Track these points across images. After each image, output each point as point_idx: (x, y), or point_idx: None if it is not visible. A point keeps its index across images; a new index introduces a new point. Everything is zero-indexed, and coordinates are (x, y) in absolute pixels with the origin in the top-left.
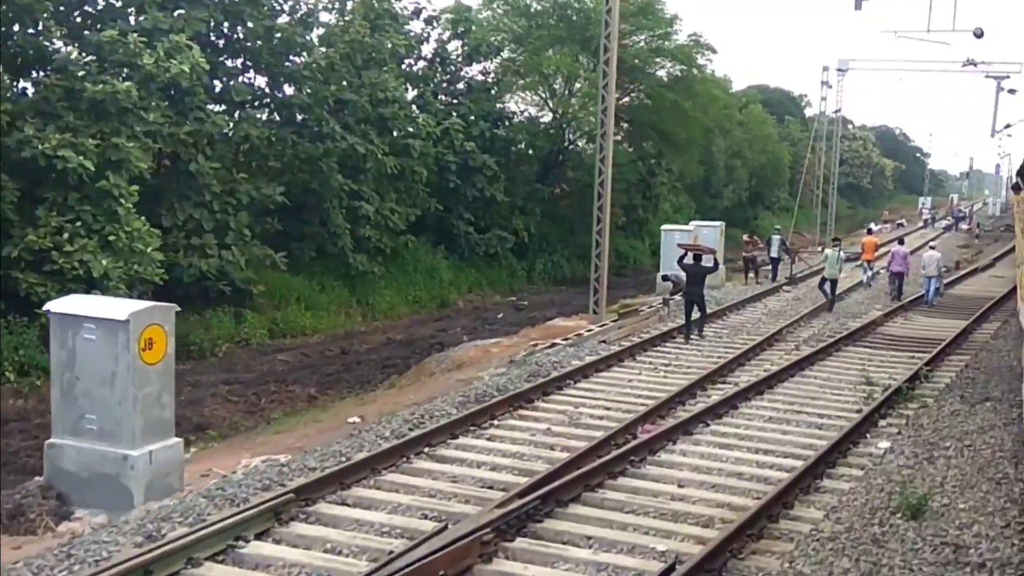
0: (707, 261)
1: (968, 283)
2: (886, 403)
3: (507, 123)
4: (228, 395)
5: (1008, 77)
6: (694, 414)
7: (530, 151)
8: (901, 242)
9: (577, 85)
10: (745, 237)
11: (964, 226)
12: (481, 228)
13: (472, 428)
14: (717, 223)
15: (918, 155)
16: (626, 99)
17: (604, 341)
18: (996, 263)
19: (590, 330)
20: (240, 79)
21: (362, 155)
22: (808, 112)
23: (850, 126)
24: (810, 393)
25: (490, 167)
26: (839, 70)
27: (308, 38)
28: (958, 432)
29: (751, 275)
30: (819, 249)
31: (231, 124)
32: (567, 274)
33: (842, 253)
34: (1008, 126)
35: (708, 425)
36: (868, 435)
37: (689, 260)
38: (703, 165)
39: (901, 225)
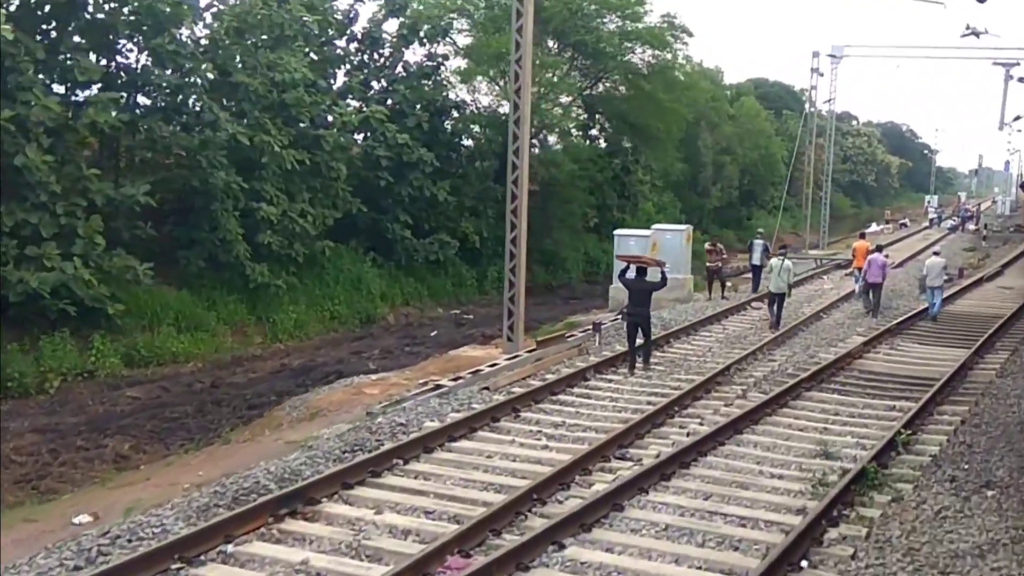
0: (653, 275)
1: (971, 297)
2: (843, 495)
3: (455, 113)
4: (16, 453)
5: (1017, 64)
6: (545, 528)
7: (489, 145)
8: (879, 249)
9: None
10: (708, 245)
11: (971, 227)
12: (424, 232)
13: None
14: (683, 227)
15: (926, 152)
16: (600, 88)
17: (487, 388)
18: (1005, 270)
19: (495, 364)
20: (94, 56)
21: (257, 148)
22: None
23: (854, 122)
24: (739, 476)
25: (429, 162)
26: (832, 56)
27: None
28: (943, 556)
29: (725, 288)
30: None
31: (70, 109)
32: (561, 279)
33: (789, 263)
34: (1018, 118)
35: (562, 548)
36: (805, 564)
37: (632, 274)
38: (688, 162)
39: (904, 225)
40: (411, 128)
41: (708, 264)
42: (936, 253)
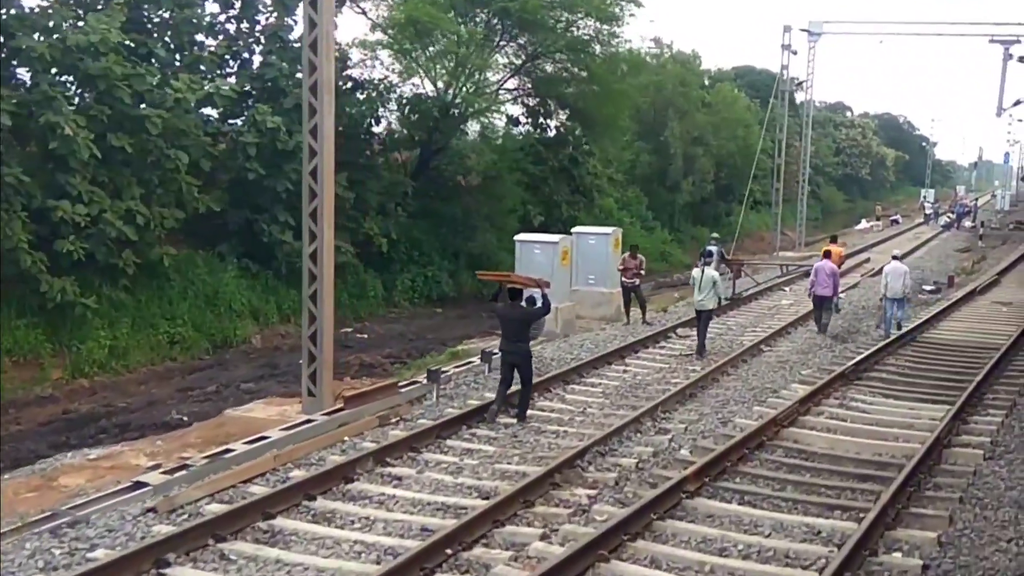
0: (538, 298)
1: (959, 316)
2: None
3: (353, 92)
4: None
5: (1018, 41)
6: None
7: (410, 133)
8: (826, 255)
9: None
10: (626, 255)
11: (967, 223)
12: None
13: None
14: (609, 230)
15: (924, 144)
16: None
17: (153, 509)
18: (1002, 277)
19: (263, 438)
20: None
21: (48, 129)
22: (800, 96)
23: (848, 113)
24: None
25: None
26: (809, 33)
27: None
28: None
29: (645, 311)
30: (791, 255)
31: None
32: (448, 291)
33: (714, 273)
34: (1018, 103)
35: None
36: None
37: (509, 300)
38: (657, 153)
39: (896, 222)
40: (289, 110)
41: (623, 281)
42: (896, 257)
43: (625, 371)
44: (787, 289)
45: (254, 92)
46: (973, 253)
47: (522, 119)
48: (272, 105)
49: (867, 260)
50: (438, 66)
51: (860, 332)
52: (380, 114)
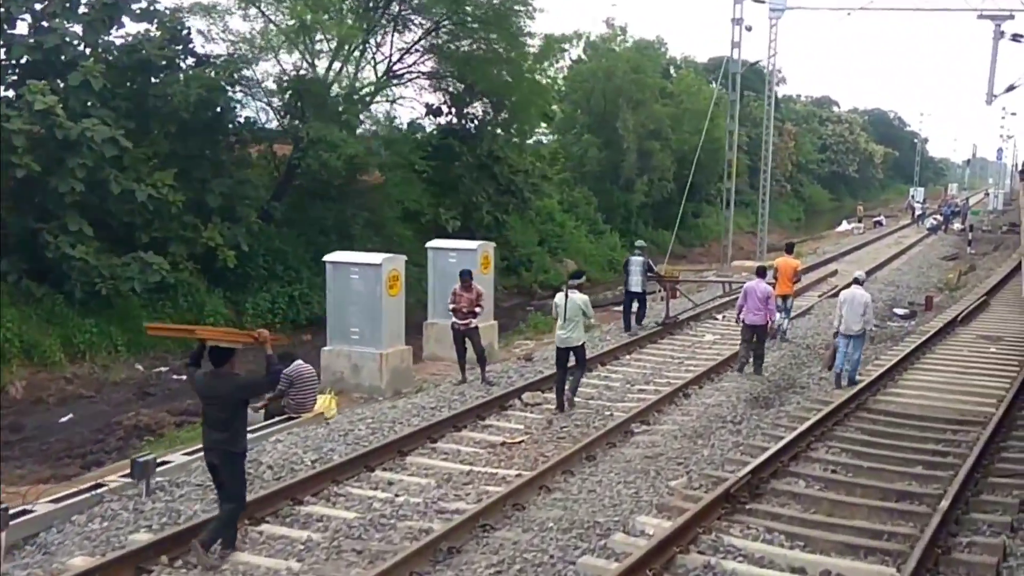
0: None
1: (932, 360)
2: None
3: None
4: None
5: (1011, 17)
6: None
7: (285, 122)
8: (760, 274)
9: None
10: (456, 287)
11: (956, 225)
12: (134, 245)
13: None
14: (475, 244)
15: (916, 141)
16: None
17: None
18: (992, 297)
19: None
20: None
21: None
22: (781, 90)
23: (835, 108)
24: None
25: (111, 139)
26: (772, 8)
27: None
28: None
29: (485, 365)
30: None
31: None
32: (318, 312)
33: (581, 298)
34: (1011, 88)
35: None
36: None
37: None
38: (608, 148)
39: (879, 224)
40: (77, 87)
41: (454, 323)
42: (857, 281)
43: (427, 468)
44: (719, 317)
45: (28, 65)
46: (961, 261)
47: (443, 108)
48: (50, 81)
49: (834, 273)
50: (311, 39)
51: (797, 385)
52: (238, 99)
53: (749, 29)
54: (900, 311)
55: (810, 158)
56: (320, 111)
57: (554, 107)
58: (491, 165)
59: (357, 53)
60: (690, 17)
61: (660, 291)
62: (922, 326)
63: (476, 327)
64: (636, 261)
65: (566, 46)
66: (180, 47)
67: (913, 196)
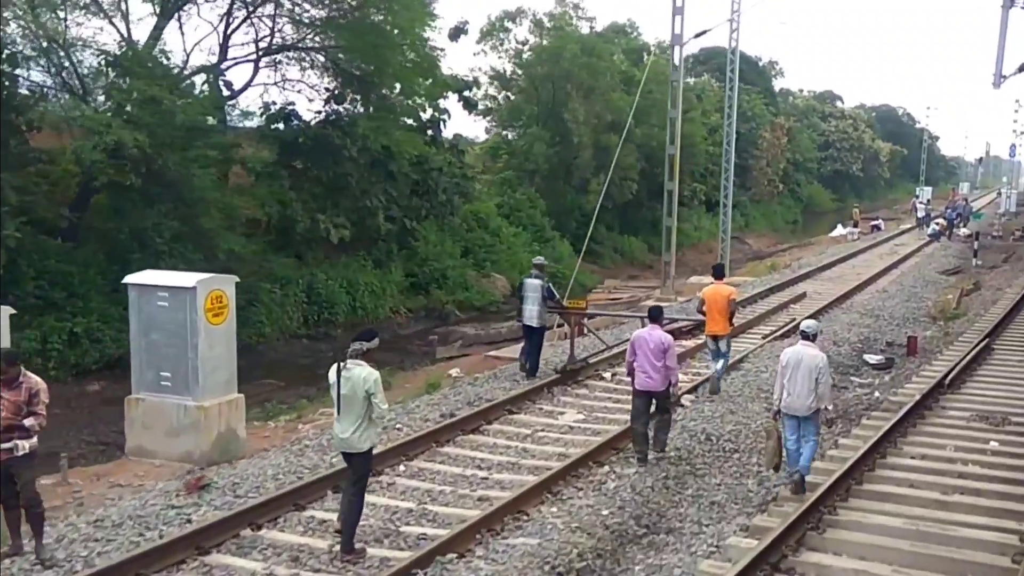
0: None
1: (894, 475)
2: None
3: None
4: None
5: None
6: None
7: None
8: (653, 317)
9: None
10: None
11: (963, 231)
12: None
13: None
14: (192, 280)
15: (927, 139)
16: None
17: None
18: (998, 336)
19: None
20: None
21: None
22: (779, 83)
23: (839, 103)
24: None
25: None
26: None
27: None
28: None
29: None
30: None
31: None
32: (116, 351)
33: (364, 374)
34: (1023, 68)
35: None
36: None
37: None
38: (559, 143)
39: (877, 228)
40: None
41: None
42: (806, 335)
43: None
44: (610, 376)
45: None
46: (964, 277)
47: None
48: None
49: (800, 298)
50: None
51: (663, 528)
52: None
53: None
54: (873, 359)
55: (809, 155)
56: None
57: (478, 92)
58: (385, 162)
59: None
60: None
61: (562, 325)
62: (897, 387)
63: (29, 454)
64: (532, 285)
65: (509, 24)
66: None
67: (918, 196)
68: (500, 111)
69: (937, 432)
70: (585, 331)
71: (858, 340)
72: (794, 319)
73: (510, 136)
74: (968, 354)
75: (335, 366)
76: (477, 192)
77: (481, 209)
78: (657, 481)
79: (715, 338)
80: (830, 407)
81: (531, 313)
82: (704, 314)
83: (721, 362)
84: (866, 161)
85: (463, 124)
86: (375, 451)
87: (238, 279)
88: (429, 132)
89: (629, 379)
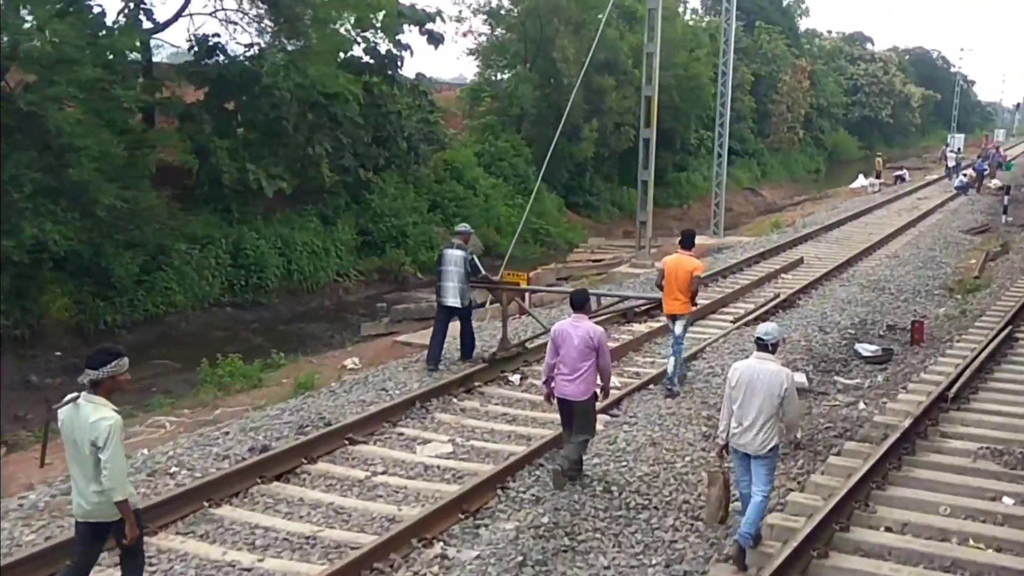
0: None
1: (883, 534)
2: None
3: None
4: None
5: None
6: None
7: None
8: (578, 305)
9: None
10: None
11: (995, 182)
12: None
13: None
14: None
15: (961, 83)
16: None
17: None
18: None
19: None
20: None
21: None
22: (803, 23)
23: (869, 45)
24: None
25: None
26: None
27: None
28: None
29: None
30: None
31: None
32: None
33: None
34: None
35: None
36: None
37: None
38: (548, 85)
39: (901, 179)
40: None
41: None
42: (763, 343)
43: None
44: (525, 373)
45: None
46: (991, 237)
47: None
48: None
49: (795, 265)
50: None
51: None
52: None
53: None
54: (867, 350)
55: (835, 100)
56: None
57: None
58: (327, 104)
59: None
60: None
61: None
62: (890, 393)
63: None
64: (452, 257)
65: None
66: None
67: (948, 145)
68: (485, 50)
69: (929, 480)
70: (520, 310)
71: (851, 324)
72: (779, 295)
73: (497, 78)
74: (983, 349)
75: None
76: (448, 139)
77: (456, 158)
78: (508, 570)
79: (673, 317)
80: (799, 435)
81: (451, 290)
82: (662, 288)
83: (672, 359)
84: (896, 107)
85: (454, 66)
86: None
87: None
88: (390, 73)
89: (544, 388)
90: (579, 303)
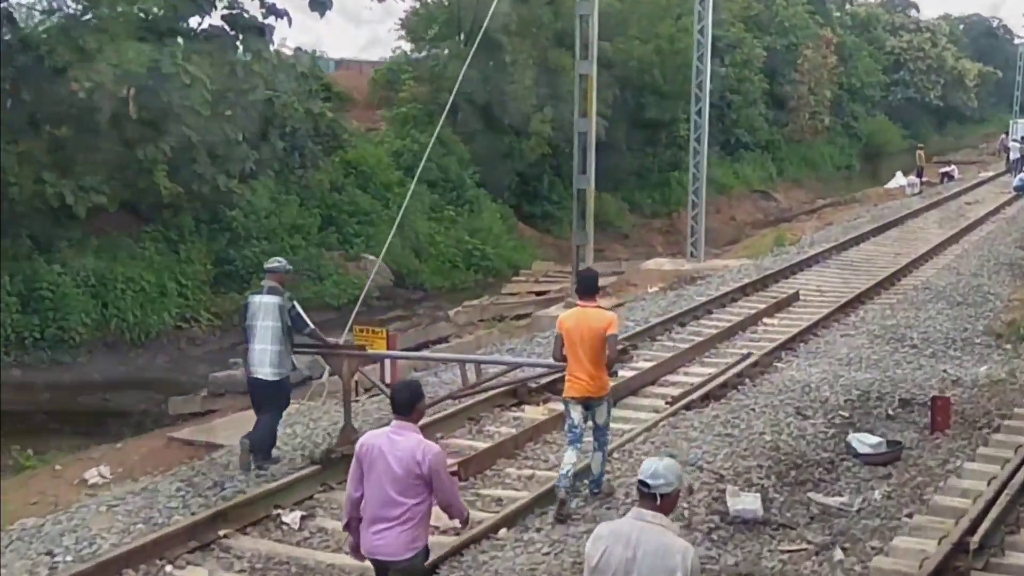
0: None
1: None
2: None
3: None
4: None
5: None
6: None
7: None
8: (401, 405)
9: None
10: None
11: None
12: None
13: None
14: None
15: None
16: None
17: None
18: None
19: None
20: None
21: None
22: None
23: (912, 12)
24: None
25: None
26: None
27: None
28: None
29: None
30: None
31: None
32: None
33: None
34: None
35: None
36: None
37: None
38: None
39: (949, 177)
40: None
41: None
42: (648, 491)
43: None
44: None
45: None
46: None
47: None
48: None
49: (792, 300)
50: None
51: None
52: None
53: None
54: (865, 443)
55: (870, 79)
56: None
57: None
58: (155, 90)
59: None
60: None
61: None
62: (888, 524)
63: None
64: (263, 307)
65: None
66: None
67: (1010, 134)
68: (410, 22)
69: None
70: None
71: (847, 401)
72: (749, 355)
73: (424, 55)
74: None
75: None
76: (350, 134)
77: (363, 158)
78: None
79: (585, 403)
80: None
81: (262, 356)
82: (564, 360)
83: (599, 454)
84: (947, 86)
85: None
86: None
87: None
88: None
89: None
90: (401, 401)
